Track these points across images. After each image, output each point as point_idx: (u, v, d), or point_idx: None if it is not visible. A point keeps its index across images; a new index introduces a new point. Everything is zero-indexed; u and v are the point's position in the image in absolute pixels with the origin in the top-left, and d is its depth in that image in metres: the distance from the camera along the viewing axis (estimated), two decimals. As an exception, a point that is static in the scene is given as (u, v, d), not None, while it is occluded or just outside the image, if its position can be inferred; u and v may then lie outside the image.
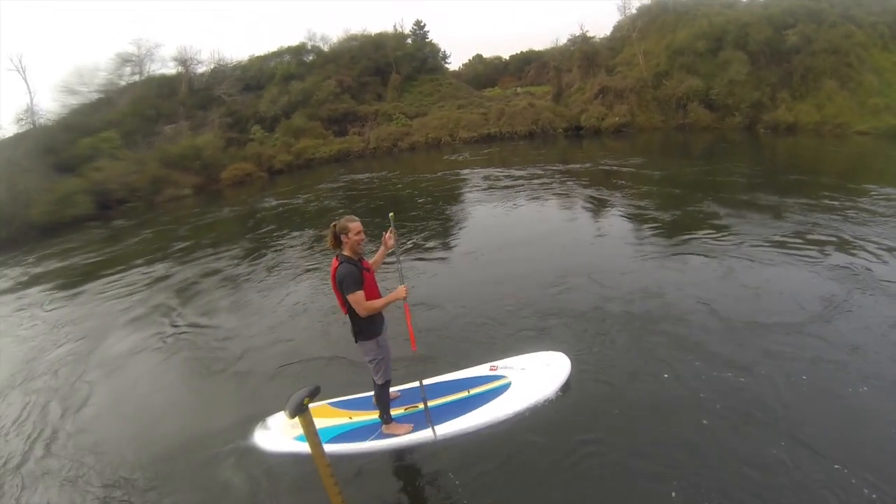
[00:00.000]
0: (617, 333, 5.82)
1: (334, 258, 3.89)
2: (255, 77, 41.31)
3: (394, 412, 4.43)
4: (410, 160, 30.32)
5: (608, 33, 39.33)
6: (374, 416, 4.48)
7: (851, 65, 25.01)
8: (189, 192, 30.06)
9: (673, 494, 3.47)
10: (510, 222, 12.16)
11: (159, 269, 12.76)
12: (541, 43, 64.32)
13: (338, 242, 3.85)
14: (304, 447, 3.73)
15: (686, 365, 5.01)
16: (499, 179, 18.00)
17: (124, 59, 39.23)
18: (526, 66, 53.01)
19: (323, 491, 3.00)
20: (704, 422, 4.14)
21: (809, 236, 8.88)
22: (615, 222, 11.17)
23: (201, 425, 5.15)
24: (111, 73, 38.96)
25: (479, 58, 59.26)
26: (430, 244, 11.05)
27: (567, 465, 3.88)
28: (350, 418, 4.59)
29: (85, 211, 26.51)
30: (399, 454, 4.22)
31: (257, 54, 43.54)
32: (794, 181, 13.64)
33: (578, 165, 19.77)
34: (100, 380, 6.88)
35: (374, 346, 4.02)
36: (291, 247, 12.74)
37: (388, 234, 4.17)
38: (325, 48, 43.57)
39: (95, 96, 37.54)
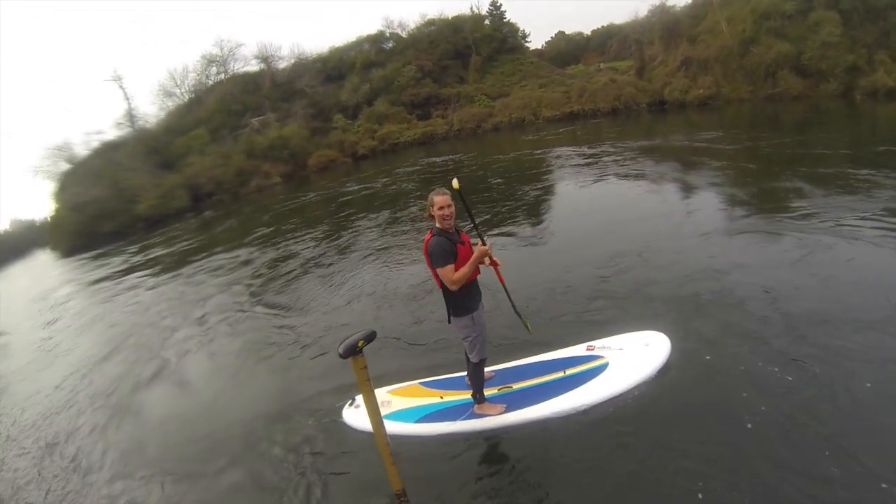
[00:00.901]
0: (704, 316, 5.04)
1: (428, 231, 3.71)
2: (336, 67, 42.09)
3: (487, 392, 4.25)
4: (495, 140, 29.51)
5: (689, 0, 36.27)
6: (465, 396, 4.38)
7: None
8: (279, 179, 31.52)
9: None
10: (593, 199, 10.97)
11: (242, 253, 13.19)
12: (621, 16, 61.00)
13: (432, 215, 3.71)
14: (394, 426, 3.99)
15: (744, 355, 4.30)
16: (579, 157, 16.68)
17: (209, 60, 41.79)
18: (608, 41, 50.45)
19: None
20: (749, 426, 3.52)
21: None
22: (703, 200, 9.52)
23: (289, 401, 5.20)
24: (199, 74, 41.60)
25: (561, 35, 57.14)
26: (515, 221, 10.34)
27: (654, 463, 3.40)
28: (441, 398, 4.53)
29: (183, 203, 28.77)
30: (490, 435, 4.02)
31: (336, 45, 44.39)
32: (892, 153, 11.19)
33: (660, 141, 17.96)
34: (191, 353, 7.36)
35: (468, 323, 3.81)
36: (369, 228, 12.56)
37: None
38: (404, 34, 43.40)
39: (187, 97, 40.15)
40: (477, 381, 4.10)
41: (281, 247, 12.84)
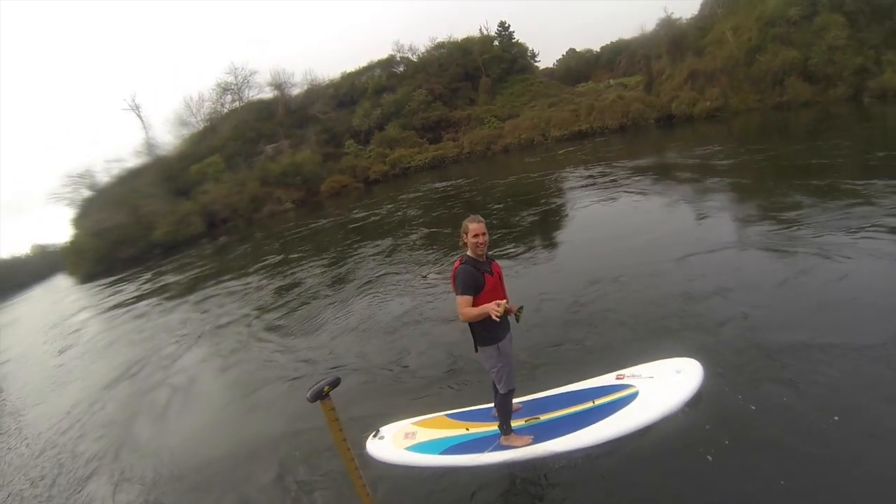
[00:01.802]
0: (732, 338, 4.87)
1: (458, 257, 3.71)
2: (348, 93, 43.01)
3: (514, 424, 4.17)
4: (504, 161, 29.78)
5: (696, 12, 36.20)
6: (492, 427, 4.27)
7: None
8: (291, 205, 32.04)
9: None
10: (604, 218, 10.92)
11: (251, 281, 13.48)
12: (628, 31, 61.13)
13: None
14: (417, 457, 4.14)
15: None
16: (586, 177, 16.70)
17: (224, 88, 42.84)
18: (617, 57, 50.59)
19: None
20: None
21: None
22: (714, 216, 9.45)
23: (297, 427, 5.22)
24: (214, 102, 42.65)
25: (571, 52, 57.47)
26: (529, 243, 10.25)
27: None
28: (467, 430, 4.45)
29: (198, 230, 29.30)
30: (516, 467, 3.90)
31: (348, 71, 45.36)
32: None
33: (666, 156, 18.04)
34: (197, 382, 7.60)
35: (494, 353, 3.71)
36: (371, 256, 12.54)
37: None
38: (414, 58, 44.31)
39: (202, 125, 41.17)
40: (504, 412, 4.02)
41: (288, 275, 13.00)
